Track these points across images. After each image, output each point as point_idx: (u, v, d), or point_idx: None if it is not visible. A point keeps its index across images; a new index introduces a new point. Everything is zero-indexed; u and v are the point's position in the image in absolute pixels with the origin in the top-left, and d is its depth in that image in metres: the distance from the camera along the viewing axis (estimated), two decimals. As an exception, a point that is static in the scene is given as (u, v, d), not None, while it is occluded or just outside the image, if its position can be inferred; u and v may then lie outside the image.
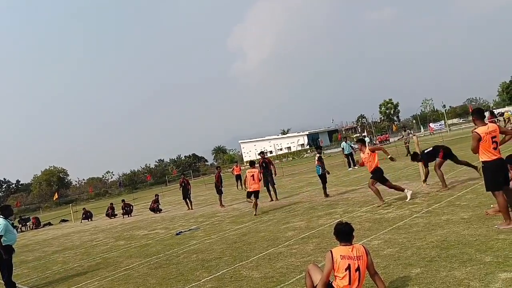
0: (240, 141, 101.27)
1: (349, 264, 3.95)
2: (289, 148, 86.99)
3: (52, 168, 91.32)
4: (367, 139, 29.53)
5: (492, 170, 5.95)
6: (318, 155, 13.39)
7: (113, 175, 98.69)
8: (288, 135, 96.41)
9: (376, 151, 9.84)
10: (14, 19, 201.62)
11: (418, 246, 5.76)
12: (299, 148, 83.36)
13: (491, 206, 6.91)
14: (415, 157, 10.75)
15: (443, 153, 9.99)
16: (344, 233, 4.14)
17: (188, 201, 17.75)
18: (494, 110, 45.93)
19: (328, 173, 13.28)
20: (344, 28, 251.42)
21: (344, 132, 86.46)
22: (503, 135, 6.41)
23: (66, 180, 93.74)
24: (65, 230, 21.11)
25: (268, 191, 14.77)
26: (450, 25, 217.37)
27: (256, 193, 12.33)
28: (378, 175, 9.49)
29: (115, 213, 22.44)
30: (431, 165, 10.44)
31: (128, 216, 20.73)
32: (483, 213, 6.79)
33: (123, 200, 22.85)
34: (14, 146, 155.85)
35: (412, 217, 7.61)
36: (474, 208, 7.35)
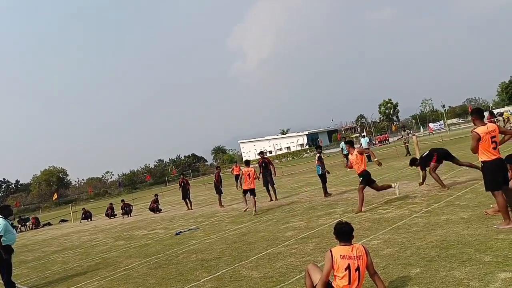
0: (239, 141, 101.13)
1: (348, 264, 3.96)
2: (288, 148, 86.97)
3: (51, 168, 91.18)
4: (366, 139, 29.48)
5: (491, 170, 5.96)
6: (318, 155, 13.44)
7: (113, 175, 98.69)
8: (287, 135, 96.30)
9: (365, 154, 9.88)
10: (14, 19, 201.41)
11: (417, 246, 5.77)
12: (299, 148, 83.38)
13: (491, 206, 6.92)
14: (413, 162, 10.90)
15: (437, 157, 10.08)
16: (343, 233, 4.14)
17: (187, 201, 17.75)
18: (493, 110, 46.00)
19: (328, 173, 13.35)
20: (344, 28, 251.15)
21: (343, 132, 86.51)
22: (503, 135, 6.42)
23: (65, 180, 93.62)
24: (64, 230, 21.11)
25: (268, 191, 14.78)
26: (450, 25, 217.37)
27: (252, 191, 12.42)
28: (365, 179, 9.43)
29: (115, 213, 22.43)
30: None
31: (128, 216, 20.73)
32: (483, 213, 6.80)
33: (122, 200, 22.83)
34: (14, 146, 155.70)
35: (412, 217, 7.62)
36: (473, 208, 7.36)
